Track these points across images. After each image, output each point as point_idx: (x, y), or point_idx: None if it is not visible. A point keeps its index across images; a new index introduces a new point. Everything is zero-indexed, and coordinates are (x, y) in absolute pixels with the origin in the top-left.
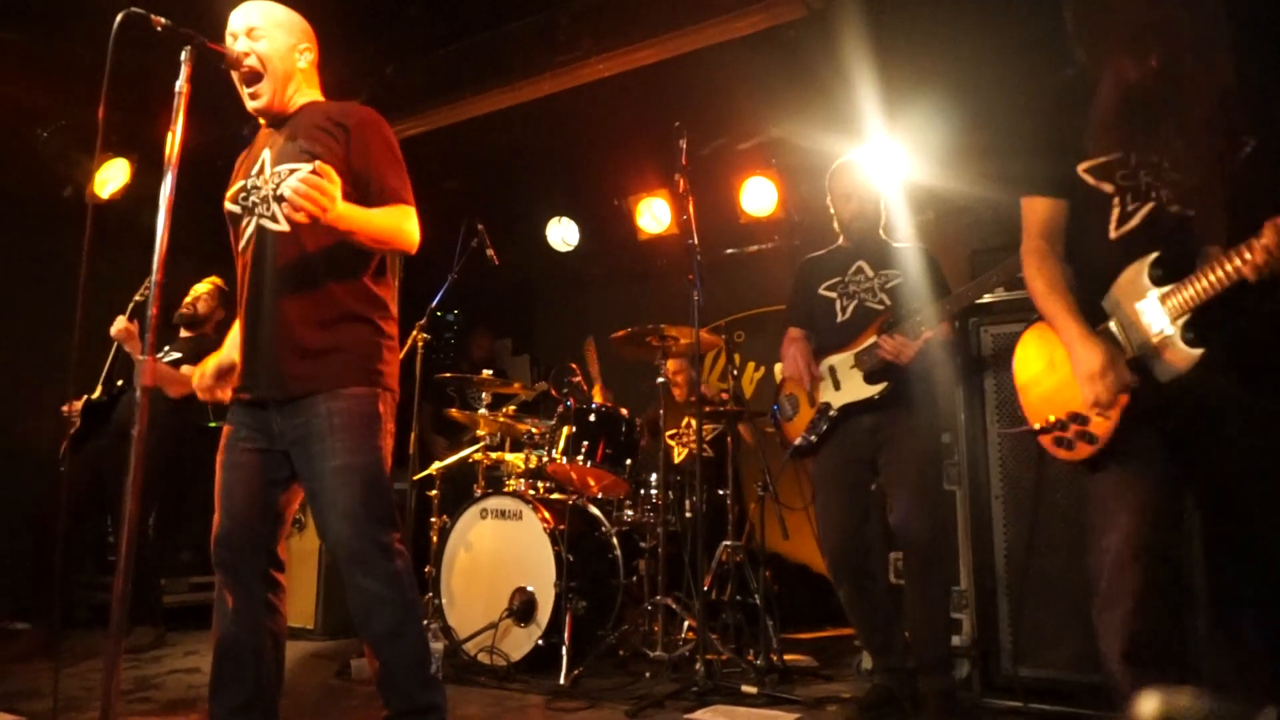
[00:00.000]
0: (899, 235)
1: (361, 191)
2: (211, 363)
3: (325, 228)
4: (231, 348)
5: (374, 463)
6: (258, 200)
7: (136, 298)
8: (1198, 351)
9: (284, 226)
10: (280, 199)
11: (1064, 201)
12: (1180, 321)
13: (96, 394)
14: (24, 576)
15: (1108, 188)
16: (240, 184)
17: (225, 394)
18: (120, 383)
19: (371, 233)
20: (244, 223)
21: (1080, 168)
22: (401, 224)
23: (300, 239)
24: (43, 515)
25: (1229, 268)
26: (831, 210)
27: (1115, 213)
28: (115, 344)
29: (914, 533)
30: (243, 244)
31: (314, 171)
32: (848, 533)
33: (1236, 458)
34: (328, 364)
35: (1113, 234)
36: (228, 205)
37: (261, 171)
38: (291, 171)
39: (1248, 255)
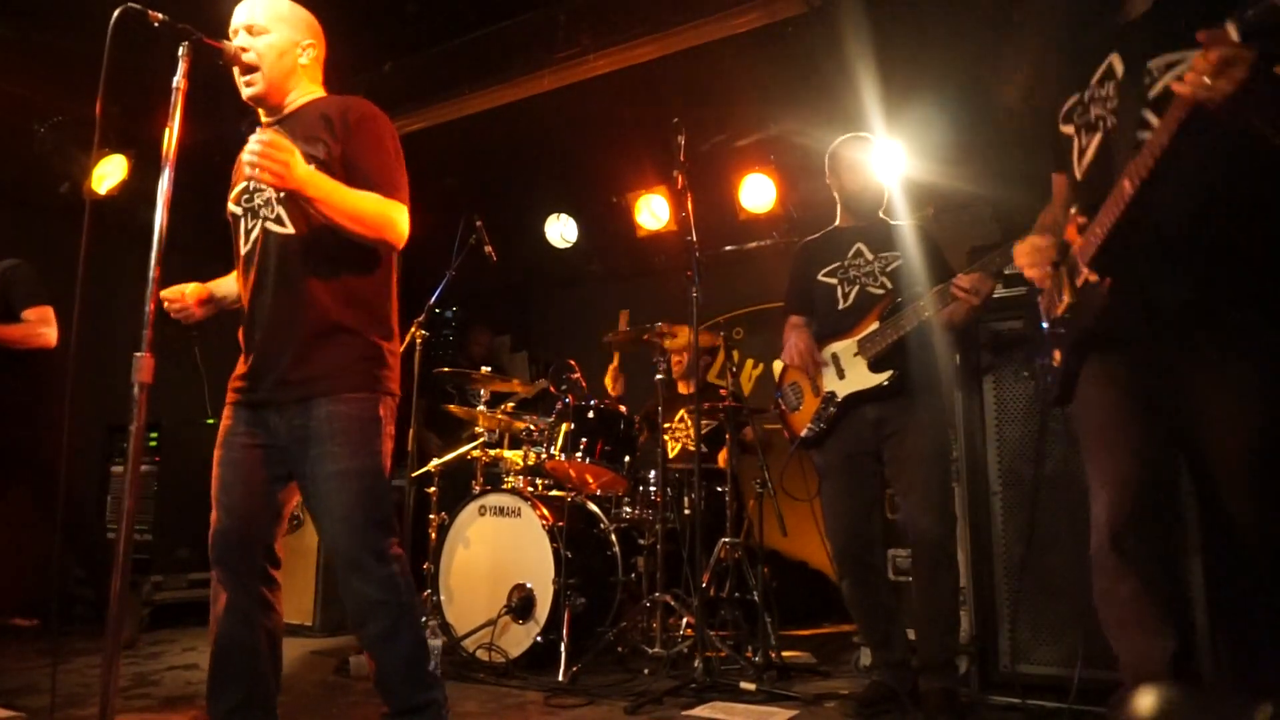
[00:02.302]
0: (898, 216)
1: (355, 185)
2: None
3: (331, 231)
4: (218, 285)
5: (372, 467)
6: (261, 202)
7: None
8: (1104, 281)
9: (289, 229)
10: (282, 200)
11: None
12: (1090, 255)
13: None
14: None
15: (1069, 130)
16: (242, 185)
17: (200, 314)
18: None
19: (347, 210)
20: (247, 225)
21: (1058, 120)
22: (388, 212)
23: (305, 241)
24: None
25: (1114, 198)
26: (833, 187)
27: (1075, 151)
28: None
29: (923, 531)
30: (246, 246)
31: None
32: (854, 525)
33: (1226, 435)
34: (330, 367)
35: (1078, 175)
36: (230, 207)
37: None
38: None
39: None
